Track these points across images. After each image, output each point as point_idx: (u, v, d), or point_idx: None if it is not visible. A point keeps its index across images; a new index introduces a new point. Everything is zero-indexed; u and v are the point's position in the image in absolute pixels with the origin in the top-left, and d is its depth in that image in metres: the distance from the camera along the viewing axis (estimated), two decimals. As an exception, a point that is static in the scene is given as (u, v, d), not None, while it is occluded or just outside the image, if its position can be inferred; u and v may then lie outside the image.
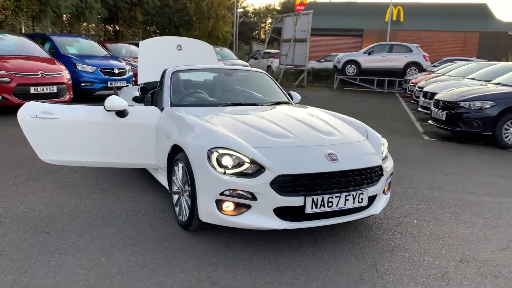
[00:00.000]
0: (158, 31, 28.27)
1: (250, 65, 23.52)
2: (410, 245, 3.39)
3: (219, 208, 3.05)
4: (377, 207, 3.42)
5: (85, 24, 23.34)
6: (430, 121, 8.61)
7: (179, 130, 3.60)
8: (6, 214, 3.67)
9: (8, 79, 8.40)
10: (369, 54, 18.90)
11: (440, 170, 5.75)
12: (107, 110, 3.86)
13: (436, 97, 8.64)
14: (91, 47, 12.43)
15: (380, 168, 3.38)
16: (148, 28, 27.40)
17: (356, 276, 2.87)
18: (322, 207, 3.05)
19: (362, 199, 3.21)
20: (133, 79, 11.83)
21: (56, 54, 11.17)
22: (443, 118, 7.95)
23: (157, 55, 5.44)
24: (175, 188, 3.60)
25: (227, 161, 3.04)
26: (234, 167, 3.03)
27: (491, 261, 3.18)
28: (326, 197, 3.05)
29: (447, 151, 7.08)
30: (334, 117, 4.12)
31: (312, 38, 20.75)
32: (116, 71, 11.35)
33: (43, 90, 8.88)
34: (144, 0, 24.75)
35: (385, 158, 3.59)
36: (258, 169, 3.01)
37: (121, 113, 3.95)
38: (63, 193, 4.25)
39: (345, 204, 3.14)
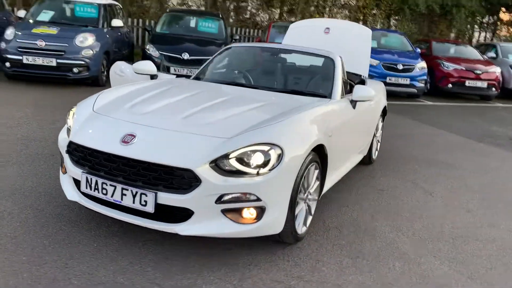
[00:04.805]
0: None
1: None
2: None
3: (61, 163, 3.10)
4: (186, 228, 2.46)
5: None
6: None
7: None
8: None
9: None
10: None
11: None
12: (136, 73, 4.34)
13: None
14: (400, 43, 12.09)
15: (193, 175, 2.39)
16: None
17: None
18: (96, 191, 2.58)
19: (145, 202, 2.44)
20: (424, 77, 10.92)
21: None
22: None
23: (302, 39, 5.26)
24: None
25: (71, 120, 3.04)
26: (76, 127, 3.00)
27: None
28: (100, 181, 2.55)
29: None
30: (290, 114, 2.90)
31: None
32: (400, 67, 10.74)
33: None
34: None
35: (259, 173, 2.44)
36: None
37: (152, 78, 4.35)
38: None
39: (122, 199, 2.50)
